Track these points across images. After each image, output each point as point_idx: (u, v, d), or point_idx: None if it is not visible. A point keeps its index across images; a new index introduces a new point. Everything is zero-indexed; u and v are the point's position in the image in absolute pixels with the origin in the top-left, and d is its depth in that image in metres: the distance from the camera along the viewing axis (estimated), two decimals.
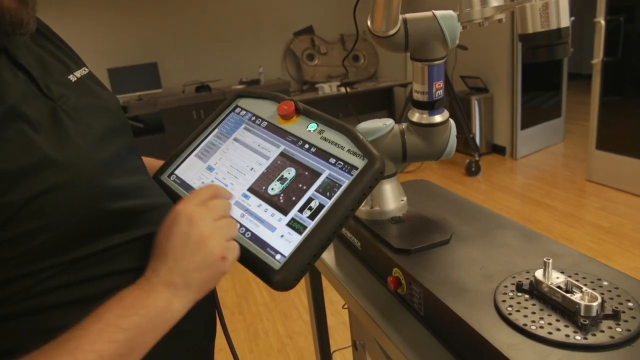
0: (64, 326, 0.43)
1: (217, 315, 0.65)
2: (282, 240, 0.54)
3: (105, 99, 0.58)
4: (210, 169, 0.65)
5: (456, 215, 0.87)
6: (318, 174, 0.57)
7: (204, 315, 0.61)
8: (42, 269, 0.45)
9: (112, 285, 0.48)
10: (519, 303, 0.58)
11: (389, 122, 0.86)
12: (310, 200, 0.55)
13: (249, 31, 4.60)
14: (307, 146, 0.60)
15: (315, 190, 0.55)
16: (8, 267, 0.43)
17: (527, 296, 0.59)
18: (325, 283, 1.09)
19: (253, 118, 0.68)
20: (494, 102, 3.99)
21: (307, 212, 0.54)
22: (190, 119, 4.03)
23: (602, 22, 2.94)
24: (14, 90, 0.47)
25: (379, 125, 0.85)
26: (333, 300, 2.11)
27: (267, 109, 0.67)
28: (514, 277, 0.63)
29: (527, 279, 0.62)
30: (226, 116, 0.71)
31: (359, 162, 0.55)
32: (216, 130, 0.70)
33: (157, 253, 0.49)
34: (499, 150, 4.09)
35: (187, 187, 0.65)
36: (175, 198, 0.65)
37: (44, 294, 0.45)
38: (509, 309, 0.57)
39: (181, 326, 0.49)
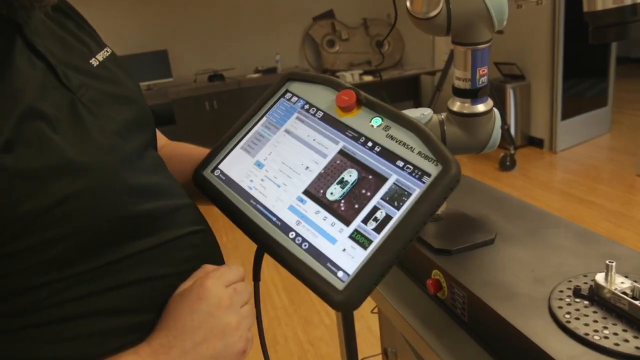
0: (84, 336, 0.43)
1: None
2: (344, 255, 0.52)
3: (128, 86, 0.58)
4: (259, 164, 0.63)
5: (500, 212, 0.85)
6: (384, 179, 0.54)
7: None
8: (58, 279, 0.44)
9: (133, 295, 0.48)
10: (577, 310, 0.56)
11: (427, 111, 0.85)
12: (375, 209, 0.53)
13: (265, 16, 4.61)
14: (370, 144, 0.57)
15: (381, 198, 0.53)
16: (22, 277, 0.42)
17: (586, 302, 0.57)
18: None
19: (307, 106, 0.64)
20: (531, 90, 3.92)
21: (373, 224, 0.52)
22: (203, 109, 4.06)
23: None
24: (32, 85, 0.46)
25: (416, 115, 0.84)
26: None
27: (322, 97, 0.64)
28: (569, 281, 0.62)
29: (586, 283, 0.60)
30: (275, 102, 0.68)
31: (432, 168, 0.52)
32: (264, 118, 0.67)
33: (172, 326, 0.48)
34: (536, 142, 4.02)
35: (234, 186, 0.63)
36: (218, 198, 0.63)
37: (61, 304, 0.45)
38: (567, 316, 0.55)
39: None
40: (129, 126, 0.53)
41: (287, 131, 0.64)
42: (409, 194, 0.52)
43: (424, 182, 0.52)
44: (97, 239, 0.46)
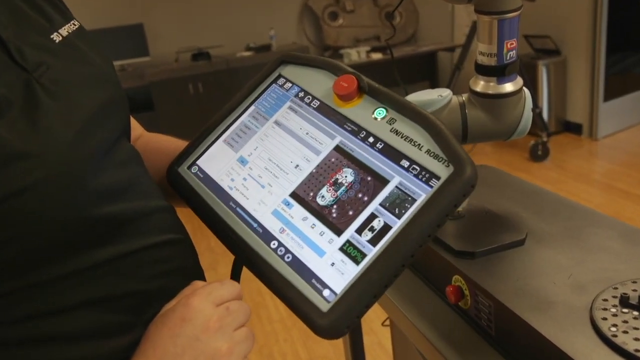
0: None
1: None
2: (333, 270, 0.51)
3: (99, 66, 0.57)
4: (242, 161, 0.63)
5: (531, 209, 0.85)
6: (385, 182, 0.53)
7: None
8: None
9: (89, 319, 0.47)
10: (625, 322, 0.56)
11: (446, 92, 0.85)
12: (372, 217, 0.52)
13: None
14: (371, 140, 0.56)
15: (380, 204, 0.52)
16: None
17: (636, 313, 0.57)
18: None
19: (301, 94, 0.64)
20: (568, 67, 3.91)
21: (368, 234, 0.51)
22: (186, 93, 4.07)
23: None
24: None
25: (432, 97, 0.84)
26: (366, 316, 2.11)
27: (320, 83, 0.63)
28: (615, 288, 0.62)
29: (635, 290, 0.60)
30: (265, 89, 0.68)
31: (442, 170, 0.51)
32: (252, 107, 0.67)
33: (151, 354, 0.47)
34: (573, 128, 4.01)
35: (212, 185, 0.62)
36: (192, 199, 0.63)
37: (1, 325, 0.44)
38: (613, 329, 0.55)
39: None
40: (98, 112, 0.53)
41: (277, 123, 0.64)
42: (413, 200, 0.51)
43: (431, 186, 0.51)
44: (46, 247, 0.45)
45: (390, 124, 0.56)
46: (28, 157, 0.43)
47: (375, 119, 0.58)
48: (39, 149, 0.44)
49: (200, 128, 0.68)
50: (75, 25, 0.58)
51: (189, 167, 0.65)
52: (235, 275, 0.58)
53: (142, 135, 0.77)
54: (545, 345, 0.56)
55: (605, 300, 0.60)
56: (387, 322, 1.15)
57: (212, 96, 4.11)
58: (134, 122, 0.70)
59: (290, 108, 0.64)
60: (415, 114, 0.55)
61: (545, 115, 3.91)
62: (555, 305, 0.61)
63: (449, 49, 4.66)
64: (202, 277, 0.63)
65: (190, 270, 0.60)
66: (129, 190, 0.53)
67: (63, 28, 0.56)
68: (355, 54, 4.49)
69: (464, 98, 0.86)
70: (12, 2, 0.53)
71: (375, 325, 2.10)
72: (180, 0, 4.42)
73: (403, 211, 0.51)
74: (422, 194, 0.51)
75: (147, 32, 4.25)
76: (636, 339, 0.53)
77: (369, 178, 0.54)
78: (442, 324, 0.75)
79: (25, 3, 0.55)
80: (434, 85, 4.82)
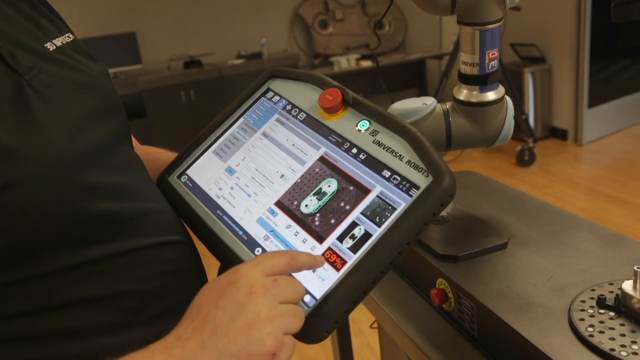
0: None
1: None
2: (314, 276, 0.52)
3: (91, 73, 0.58)
4: (230, 171, 0.64)
5: (514, 214, 0.86)
6: (366, 191, 0.54)
7: None
8: None
9: (88, 315, 0.47)
10: (602, 322, 0.57)
11: (430, 101, 0.86)
12: (353, 225, 0.53)
13: None
14: (354, 151, 0.57)
15: (362, 213, 0.53)
16: None
17: (612, 314, 0.58)
18: None
19: (289, 107, 0.65)
20: (553, 74, 3.94)
21: (349, 242, 0.52)
22: (178, 101, 4.06)
23: None
24: None
25: (417, 106, 0.85)
26: (355, 318, 2.12)
27: (306, 96, 0.64)
28: (593, 289, 0.63)
29: (611, 292, 0.61)
30: (255, 102, 0.69)
31: (421, 179, 0.52)
32: (241, 119, 0.68)
33: (194, 316, 0.46)
34: (559, 134, 4.04)
35: (200, 194, 0.63)
36: (182, 208, 0.63)
37: None
38: (590, 329, 0.56)
39: None
40: (90, 115, 0.53)
41: (264, 134, 0.65)
42: (393, 209, 0.52)
43: (411, 196, 0.51)
44: (38, 242, 0.45)
45: (373, 136, 0.57)
46: (15, 153, 0.44)
47: (359, 130, 0.58)
48: (26, 147, 0.45)
49: (197, 133, 0.69)
50: (69, 37, 0.59)
51: (179, 177, 0.66)
52: None
53: (135, 147, 0.78)
54: (526, 346, 0.57)
55: (583, 301, 0.61)
56: (375, 325, 1.16)
57: (204, 103, 4.10)
58: None
59: (278, 120, 0.65)
60: (397, 126, 0.56)
61: (531, 121, 3.93)
62: (536, 307, 0.62)
63: (437, 56, 4.68)
64: (204, 280, 0.64)
65: (191, 272, 0.60)
66: (126, 191, 0.54)
67: (57, 39, 0.57)
68: (345, 62, 4.50)
69: (448, 106, 0.87)
70: (7, 13, 0.54)
71: (364, 327, 2.10)
72: (172, 9, 4.42)
73: (383, 219, 0.51)
74: (402, 203, 0.52)
75: (139, 40, 4.23)
76: (612, 339, 0.54)
77: (351, 187, 0.55)
78: (427, 325, 0.76)
79: (21, 15, 0.56)
80: (422, 92, 4.84)
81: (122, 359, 0.43)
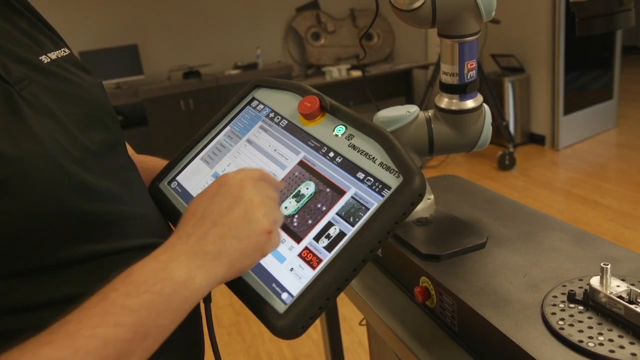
0: None
1: (202, 336, 0.63)
2: (292, 274, 0.51)
3: (84, 85, 0.58)
4: (216, 176, 0.64)
5: (492, 215, 0.87)
6: (341, 192, 0.54)
7: (187, 336, 0.60)
8: None
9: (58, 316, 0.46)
10: (571, 316, 0.57)
11: (413, 108, 0.86)
12: (329, 225, 0.53)
13: (245, 7, 4.61)
14: (331, 154, 0.57)
15: (337, 214, 0.53)
16: None
17: (581, 308, 0.59)
18: (339, 296, 1.09)
19: (271, 114, 0.65)
20: (531, 83, 3.97)
21: (325, 241, 0.52)
22: (178, 109, 4.05)
23: None
24: None
25: (401, 113, 0.85)
26: (346, 316, 2.12)
27: (288, 104, 0.65)
28: (564, 285, 0.63)
29: (581, 287, 0.61)
30: (240, 110, 0.69)
31: (392, 180, 0.52)
32: (228, 127, 0.68)
33: (190, 217, 0.47)
34: (537, 139, 4.07)
35: (189, 199, 0.63)
36: (171, 212, 0.63)
37: None
38: (561, 322, 0.57)
39: (166, 342, 0.48)
40: (78, 125, 0.53)
41: (249, 141, 0.65)
42: (367, 209, 0.52)
43: (383, 196, 0.51)
44: (23, 239, 0.44)
45: (348, 140, 0.58)
46: (8, 156, 0.44)
47: (336, 135, 0.59)
48: (19, 151, 0.45)
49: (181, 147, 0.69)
50: (65, 52, 0.59)
51: (169, 183, 0.66)
52: None
53: (132, 156, 0.78)
54: (502, 339, 0.58)
55: (555, 297, 0.61)
56: (364, 322, 1.16)
57: (202, 112, 4.09)
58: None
59: (261, 127, 0.65)
60: (370, 130, 0.56)
61: (511, 127, 3.96)
62: (511, 303, 0.62)
63: (423, 66, 4.70)
64: None
65: None
66: (110, 195, 0.53)
67: (52, 53, 0.57)
68: (337, 72, 4.51)
69: (430, 114, 0.87)
70: (4, 27, 0.54)
71: (354, 324, 2.10)
72: (172, 23, 4.41)
73: (357, 219, 0.51)
74: (374, 203, 0.52)
75: (141, 52, 4.22)
76: (580, 331, 0.55)
77: (327, 189, 0.55)
78: (411, 321, 0.76)
79: (20, 30, 0.56)
80: (409, 100, 4.86)
81: (130, 268, 0.43)
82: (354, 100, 4.51)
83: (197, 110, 4.09)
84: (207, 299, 0.55)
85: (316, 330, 2.23)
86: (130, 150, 0.77)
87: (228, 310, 2.47)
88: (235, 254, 0.46)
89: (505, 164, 3.65)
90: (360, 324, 1.22)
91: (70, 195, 0.48)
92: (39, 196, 0.45)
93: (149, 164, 0.74)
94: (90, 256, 0.49)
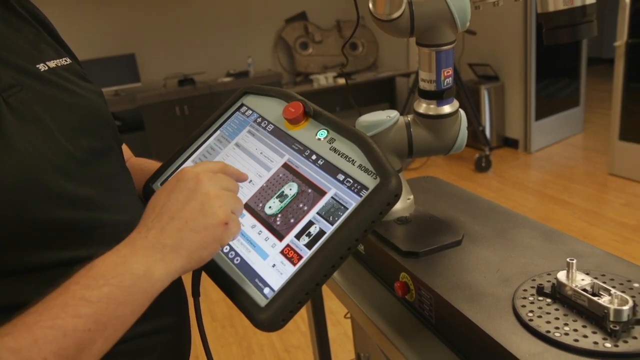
0: None
1: (189, 328, 0.63)
2: (274, 270, 0.52)
3: (81, 93, 0.56)
4: None
5: (468, 214, 0.87)
6: (322, 193, 0.54)
7: (174, 329, 0.59)
8: None
9: None
10: (540, 308, 0.58)
11: (393, 114, 0.86)
12: (310, 224, 0.53)
13: (237, 18, 4.59)
14: (314, 157, 0.57)
15: (317, 213, 0.53)
16: None
17: (549, 300, 0.59)
18: (325, 291, 1.09)
19: (259, 119, 0.65)
20: (505, 91, 4.00)
21: (305, 239, 0.52)
22: (173, 115, 4.02)
23: None
24: None
25: (382, 118, 0.85)
26: (333, 309, 2.11)
27: (274, 110, 0.65)
28: (533, 279, 0.63)
29: (549, 281, 0.62)
30: (230, 116, 0.69)
31: (370, 181, 0.52)
32: (218, 132, 0.68)
33: (150, 213, 0.47)
34: (511, 143, 4.10)
35: None
36: None
37: None
38: (530, 314, 0.57)
39: (144, 344, 0.47)
40: (66, 132, 0.52)
41: (237, 144, 0.65)
42: (345, 209, 0.52)
43: (361, 196, 0.51)
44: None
45: (330, 143, 0.58)
46: None
47: (319, 139, 0.59)
48: None
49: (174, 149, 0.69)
50: (67, 61, 0.57)
51: (162, 183, 0.66)
52: (196, 277, 0.55)
53: (130, 159, 0.77)
54: (476, 331, 0.58)
55: (525, 290, 0.62)
56: (349, 315, 1.15)
57: (196, 117, 4.06)
58: (124, 147, 0.70)
59: (249, 132, 0.65)
60: (351, 134, 0.57)
61: (487, 132, 3.99)
62: (485, 296, 0.63)
63: (405, 74, 4.72)
64: (180, 287, 0.62)
65: None
66: (90, 203, 0.51)
67: (52, 61, 0.55)
68: (324, 79, 4.51)
69: (409, 118, 0.87)
70: (6, 34, 0.53)
71: (340, 317, 2.10)
72: (168, 33, 4.38)
73: (336, 218, 0.52)
74: (352, 203, 0.52)
75: (138, 60, 4.19)
76: (548, 322, 0.55)
77: (309, 190, 0.55)
78: (391, 314, 0.76)
79: (22, 38, 0.54)
80: (393, 106, 4.87)
81: (92, 262, 0.43)
82: (340, 106, 4.51)
83: (192, 115, 4.06)
84: (196, 294, 0.54)
85: (305, 324, 2.22)
86: (128, 153, 0.76)
87: (222, 304, 2.45)
88: (193, 246, 0.46)
89: (482, 166, 3.68)
90: (345, 316, 1.21)
91: (42, 204, 0.46)
92: (7, 204, 0.44)
93: (145, 166, 0.74)
94: (60, 262, 0.48)
